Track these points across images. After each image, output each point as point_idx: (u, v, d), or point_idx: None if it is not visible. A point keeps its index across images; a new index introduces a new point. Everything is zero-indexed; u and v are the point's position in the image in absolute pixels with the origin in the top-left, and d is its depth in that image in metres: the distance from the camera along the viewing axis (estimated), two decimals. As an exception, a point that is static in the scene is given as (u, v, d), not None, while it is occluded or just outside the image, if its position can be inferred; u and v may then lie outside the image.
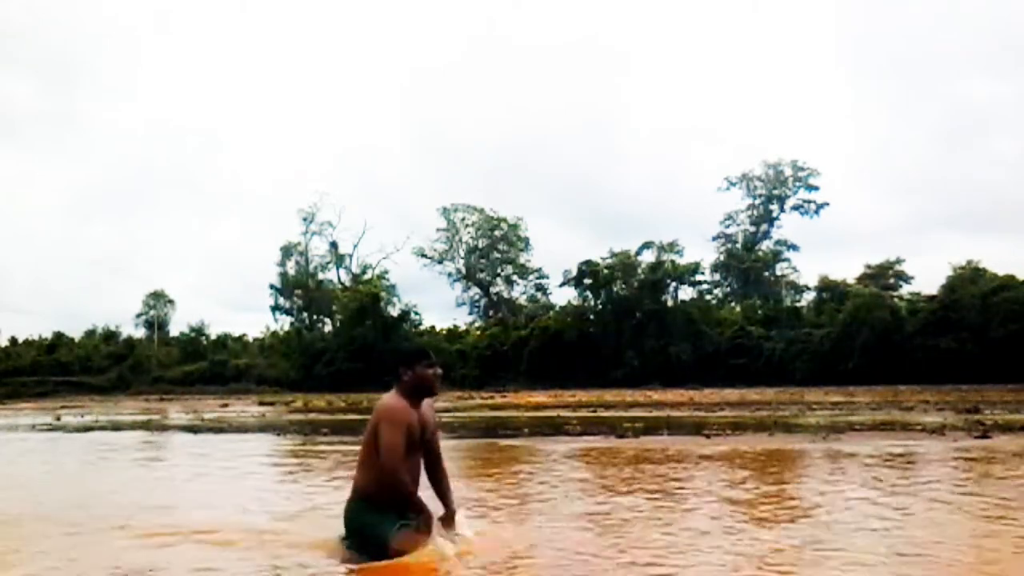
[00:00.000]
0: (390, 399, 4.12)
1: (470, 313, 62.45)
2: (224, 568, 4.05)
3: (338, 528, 4.29)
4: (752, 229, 58.87)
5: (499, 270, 62.29)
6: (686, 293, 53.95)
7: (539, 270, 61.57)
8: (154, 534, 4.89)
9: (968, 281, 44.19)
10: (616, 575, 3.82)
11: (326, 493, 6.63)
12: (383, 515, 3.96)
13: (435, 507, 4.16)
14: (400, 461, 3.94)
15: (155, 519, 5.43)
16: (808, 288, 55.58)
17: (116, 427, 17.27)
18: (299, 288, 61.76)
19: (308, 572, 3.94)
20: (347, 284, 61.25)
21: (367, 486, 4.05)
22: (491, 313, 60.55)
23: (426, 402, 4.22)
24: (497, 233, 61.31)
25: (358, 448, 4.27)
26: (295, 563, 4.09)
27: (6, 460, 10.85)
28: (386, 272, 59.99)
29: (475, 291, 62.69)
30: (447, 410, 21.77)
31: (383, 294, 56.50)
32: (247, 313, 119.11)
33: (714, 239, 58.95)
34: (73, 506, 6.15)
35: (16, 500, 6.66)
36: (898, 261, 51.45)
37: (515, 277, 62.46)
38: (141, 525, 5.18)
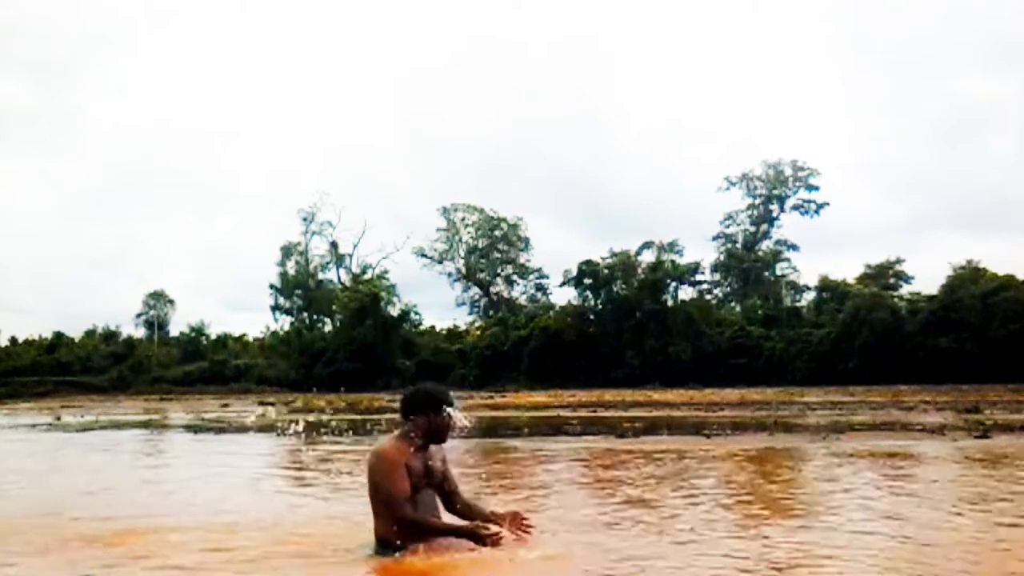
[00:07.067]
0: (382, 445, 4.05)
1: (470, 313, 62.51)
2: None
3: (348, 529, 4.27)
4: (752, 229, 58.80)
5: (499, 270, 62.27)
6: (686, 293, 53.98)
7: (539, 270, 61.59)
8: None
9: (968, 281, 44.18)
10: None
11: (331, 492, 6.63)
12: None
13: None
14: (407, 502, 3.87)
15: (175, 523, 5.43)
16: (808, 288, 55.54)
17: (117, 426, 17.27)
18: (299, 288, 61.74)
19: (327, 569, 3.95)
20: (347, 284, 61.23)
21: (385, 535, 3.96)
22: (491, 313, 60.54)
23: (434, 447, 4.10)
24: (497, 233, 61.29)
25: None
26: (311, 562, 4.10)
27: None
28: (386, 272, 60.07)
29: (475, 291, 62.68)
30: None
31: (383, 294, 56.51)
32: (246, 313, 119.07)
33: (714, 239, 58.90)
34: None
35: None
36: (898, 261, 51.38)
37: (515, 277, 62.45)
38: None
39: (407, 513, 3.88)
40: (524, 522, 4.15)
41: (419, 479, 3.95)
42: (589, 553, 4.22)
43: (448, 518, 4.14)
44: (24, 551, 4.50)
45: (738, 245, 58.64)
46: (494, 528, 4.00)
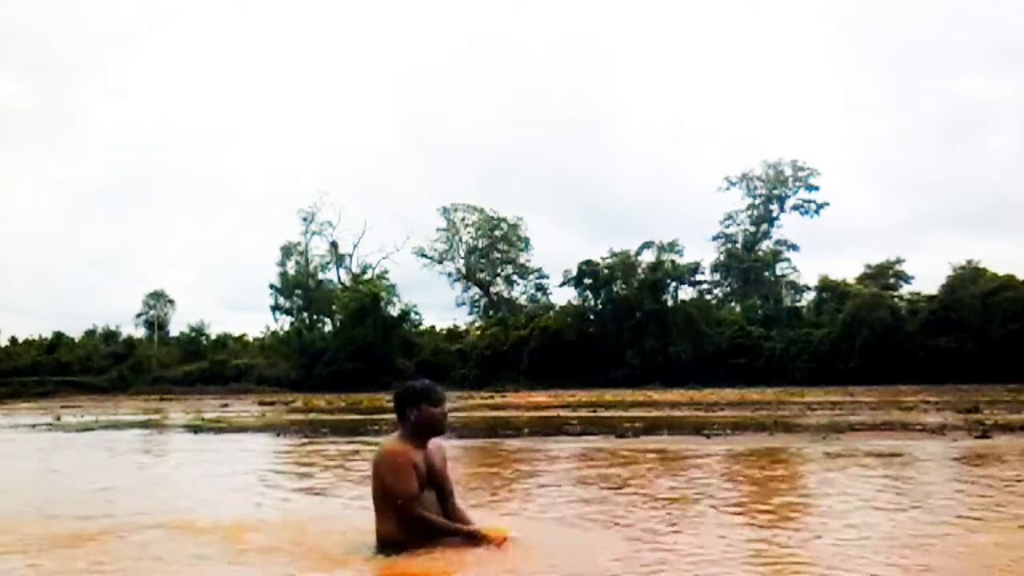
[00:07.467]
0: (388, 444, 4.06)
1: (470, 313, 62.58)
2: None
3: (348, 529, 4.26)
4: (752, 229, 58.80)
5: (499, 270, 62.29)
6: (686, 293, 54.07)
7: (539, 270, 61.68)
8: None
9: (968, 281, 44.23)
10: None
11: (330, 492, 6.63)
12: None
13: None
14: (415, 501, 3.89)
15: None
16: (808, 288, 55.65)
17: (116, 427, 17.27)
18: (299, 288, 61.80)
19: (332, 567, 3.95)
20: (347, 284, 61.29)
21: (388, 535, 3.97)
22: (491, 313, 60.55)
23: (434, 443, 4.10)
24: (497, 233, 61.32)
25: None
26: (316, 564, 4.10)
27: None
28: (386, 272, 60.19)
29: (475, 291, 62.71)
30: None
31: (383, 294, 56.57)
32: (247, 313, 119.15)
33: (714, 239, 58.93)
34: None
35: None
36: (898, 261, 51.44)
37: (515, 277, 62.51)
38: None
39: (416, 511, 3.88)
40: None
41: (423, 479, 3.95)
42: (586, 556, 4.21)
43: None
44: (15, 550, 4.49)
45: (738, 245, 58.65)
46: (496, 535, 4.01)
